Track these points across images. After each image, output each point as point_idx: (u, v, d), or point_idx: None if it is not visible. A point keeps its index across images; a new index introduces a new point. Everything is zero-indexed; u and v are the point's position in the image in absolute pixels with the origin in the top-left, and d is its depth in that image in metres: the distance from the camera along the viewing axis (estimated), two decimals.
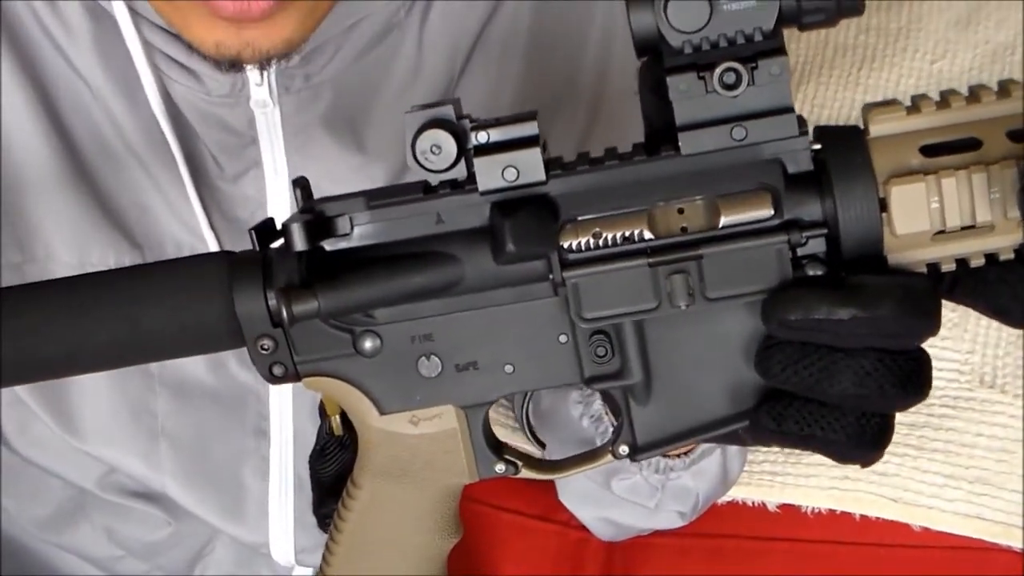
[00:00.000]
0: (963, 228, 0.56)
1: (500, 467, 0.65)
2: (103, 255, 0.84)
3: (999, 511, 0.96)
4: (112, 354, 0.62)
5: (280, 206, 0.85)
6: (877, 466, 0.98)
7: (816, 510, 0.98)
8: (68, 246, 0.84)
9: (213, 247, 0.84)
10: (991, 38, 1.06)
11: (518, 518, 1.03)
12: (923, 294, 0.56)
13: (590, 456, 0.66)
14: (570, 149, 0.89)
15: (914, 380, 0.57)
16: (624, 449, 0.62)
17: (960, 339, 1.00)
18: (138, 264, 0.70)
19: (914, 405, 0.58)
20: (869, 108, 0.57)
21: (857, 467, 0.61)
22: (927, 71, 1.06)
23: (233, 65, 0.75)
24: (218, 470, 0.89)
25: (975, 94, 0.56)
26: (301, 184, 0.61)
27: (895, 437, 0.98)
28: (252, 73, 0.80)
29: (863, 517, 0.98)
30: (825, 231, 0.57)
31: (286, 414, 0.89)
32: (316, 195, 0.62)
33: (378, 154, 0.86)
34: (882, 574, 0.97)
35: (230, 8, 0.68)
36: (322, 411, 0.69)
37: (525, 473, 0.65)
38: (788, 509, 0.99)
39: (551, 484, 0.91)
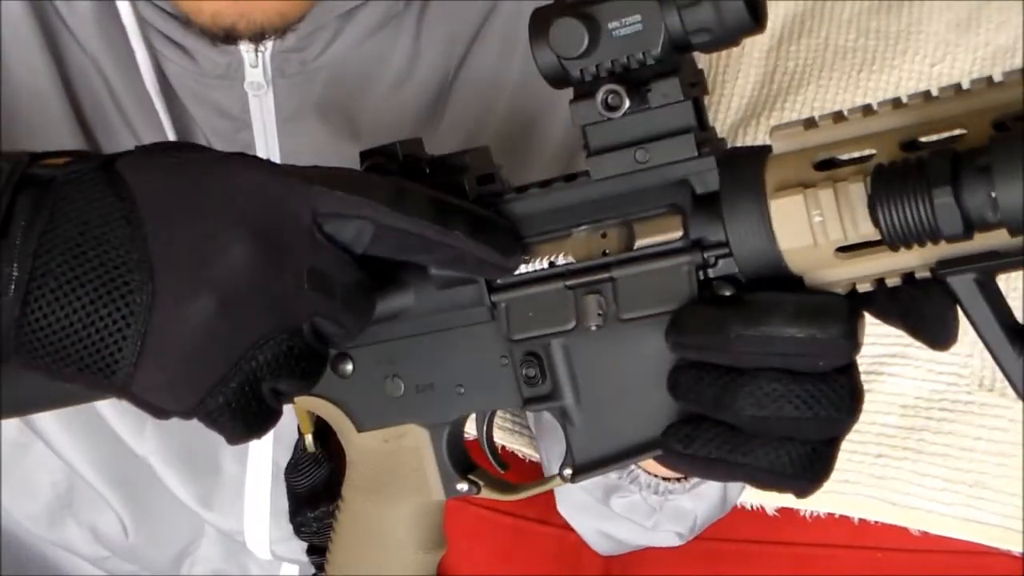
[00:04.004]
0: (867, 244, 0.53)
1: (462, 486, 0.67)
2: None
3: (998, 515, 0.96)
4: None
5: None
6: (875, 470, 0.99)
7: (814, 513, 0.99)
8: None
9: None
10: (991, 40, 1.05)
11: (517, 521, 1.03)
12: (823, 311, 0.53)
13: (543, 479, 0.68)
14: (569, 148, 0.90)
15: (823, 403, 0.54)
16: (568, 472, 0.63)
17: (959, 343, 0.99)
18: None
19: (837, 431, 0.56)
20: (774, 128, 0.57)
21: (831, 479, 0.57)
22: (927, 74, 1.05)
23: (228, 38, 0.76)
24: (198, 452, 0.90)
25: (869, 108, 0.54)
26: None
27: (894, 440, 0.99)
28: (247, 54, 0.80)
29: (861, 521, 0.98)
30: (728, 250, 0.57)
31: None
32: None
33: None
34: None
35: None
36: (299, 428, 0.72)
37: (485, 493, 0.67)
38: (786, 512, 0.99)
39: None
